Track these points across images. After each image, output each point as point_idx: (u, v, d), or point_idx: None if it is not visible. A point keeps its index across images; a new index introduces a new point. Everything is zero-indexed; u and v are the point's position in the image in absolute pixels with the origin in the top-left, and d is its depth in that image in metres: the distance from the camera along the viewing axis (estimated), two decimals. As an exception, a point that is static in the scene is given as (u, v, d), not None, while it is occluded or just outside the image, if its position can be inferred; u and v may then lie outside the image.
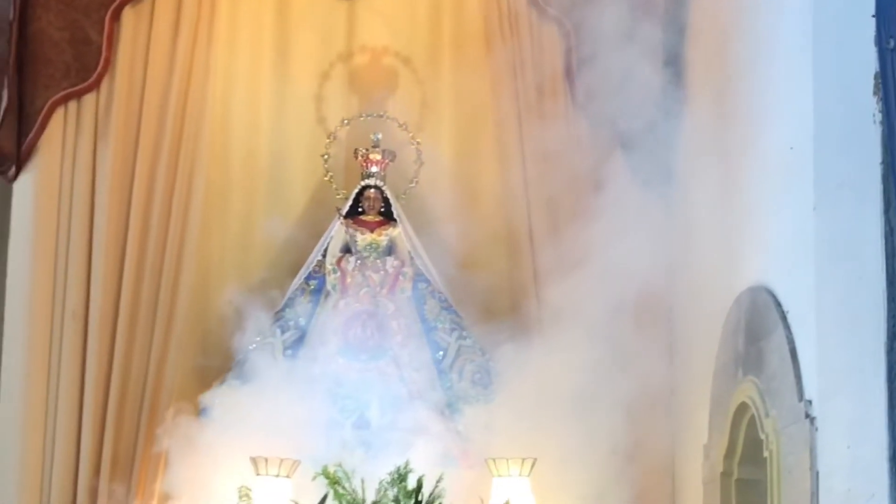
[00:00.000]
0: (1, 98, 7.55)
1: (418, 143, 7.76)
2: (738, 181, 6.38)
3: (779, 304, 5.78)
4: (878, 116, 5.34)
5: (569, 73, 7.59)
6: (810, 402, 5.42)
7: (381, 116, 7.80)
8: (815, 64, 5.53)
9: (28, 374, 7.45)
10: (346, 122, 7.81)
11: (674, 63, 7.30)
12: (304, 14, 8.00)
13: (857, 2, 5.43)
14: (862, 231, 5.38)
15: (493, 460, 6.71)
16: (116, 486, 7.21)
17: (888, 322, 5.30)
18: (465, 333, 7.48)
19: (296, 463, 6.53)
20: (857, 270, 5.37)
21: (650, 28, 7.22)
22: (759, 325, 5.95)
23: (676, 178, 7.28)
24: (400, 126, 7.77)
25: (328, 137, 7.80)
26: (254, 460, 6.54)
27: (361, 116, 7.81)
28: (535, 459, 6.67)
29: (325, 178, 7.79)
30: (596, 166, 7.33)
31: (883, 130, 5.31)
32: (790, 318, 5.68)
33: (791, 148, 5.70)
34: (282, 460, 6.51)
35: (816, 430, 5.36)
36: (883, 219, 5.36)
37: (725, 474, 6.35)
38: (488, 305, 7.48)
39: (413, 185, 7.78)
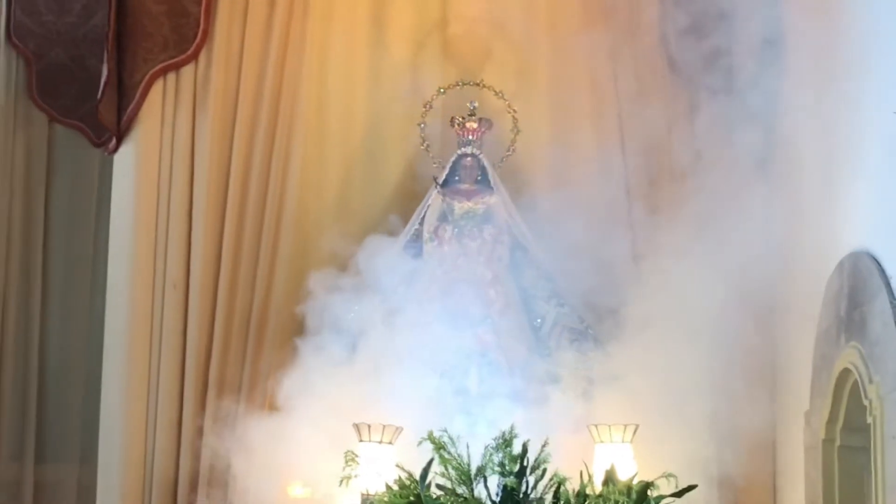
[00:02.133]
0: (100, 72, 7.64)
1: (514, 110, 7.75)
2: (841, 146, 6.33)
3: (882, 270, 5.72)
4: None
5: (666, 42, 7.54)
6: (916, 367, 5.38)
7: (478, 85, 7.79)
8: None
9: (130, 344, 7.54)
10: (442, 90, 7.80)
11: (773, 30, 7.23)
12: (399, -16, 8.02)
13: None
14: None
15: (596, 426, 6.71)
16: (215, 483, 7.31)
17: None
18: (562, 301, 7.47)
19: (399, 429, 6.56)
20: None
21: None
22: (862, 291, 5.90)
23: (778, 145, 7.22)
24: (496, 94, 7.75)
25: (424, 106, 7.80)
26: (357, 427, 6.58)
27: (458, 85, 7.80)
28: (637, 426, 6.67)
29: (422, 147, 7.80)
30: (696, 134, 7.27)
31: None
32: (894, 284, 5.63)
33: (895, 112, 5.64)
34: (385, 426, 6.54)
35: (923, 395, 5.33)
36: None
37: (828, 441, 6.30)
38: (585, 273, 7.44)
39: (510, 152, 7.78)
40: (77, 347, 7.96)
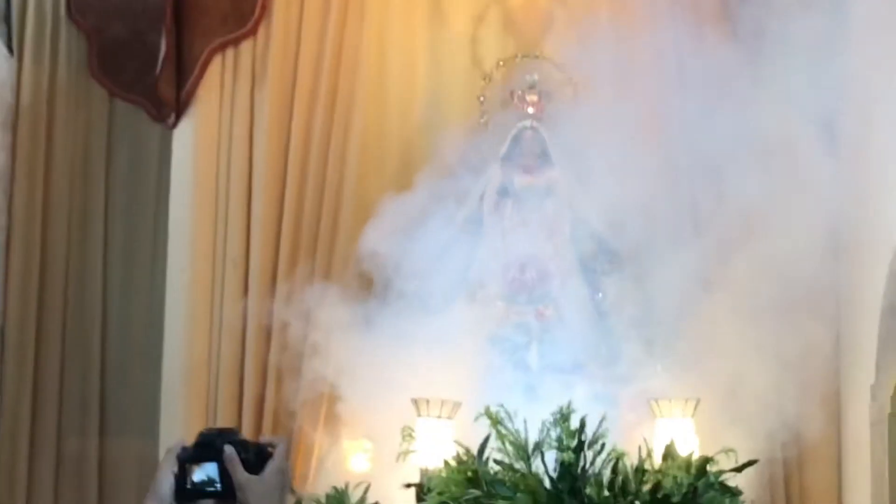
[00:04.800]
0: (160, 47, 7.66)
1: (576, 84, 7.68)
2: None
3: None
4: None
5: (729, 9, 7.44)
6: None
7: (538, 58, 7.72)
8: None
9: (191, 321, 7.59)
10: (501, 63, 7.75)
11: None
12: (459, -43, 7.96)
13: None
14: None
15: (656, 401, 6.66)
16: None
17: None
18: (623, 276, 7.40)
19: (457, 405, 6.54)
20: None
21: None
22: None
23: (847, 116, 7.09)
24: (556, 67, 7.69)
25: (484, 79, 7.74)
26: (415, 402, 6.56)
27: (517, 57, 7.75)
28: (699, 400, 6.61)
29: (482, 121, 7.74)
30: (761, 109, 7.15)
31: None
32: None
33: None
34: (443, 401, 6.52)
35: None
36: None
37: (893, 415, 6.23)
38: (646, 248, 7.36)
39: (571, 126, 7.69)
40: (138, 323, 7.98)
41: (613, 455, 5.99)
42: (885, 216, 6.52)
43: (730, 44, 7.37)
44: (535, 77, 7.62)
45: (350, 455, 7.13)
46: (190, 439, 3.08)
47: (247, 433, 7.25)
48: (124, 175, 8.09)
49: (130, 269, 8.05)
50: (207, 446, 3.02)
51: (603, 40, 7.73)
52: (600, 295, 7.38)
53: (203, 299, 7.57)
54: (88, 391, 7.90)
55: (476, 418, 6.16)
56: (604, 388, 6.87)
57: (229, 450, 3.00)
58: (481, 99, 7.74)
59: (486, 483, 6.03)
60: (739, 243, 6.94)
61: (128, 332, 7.99)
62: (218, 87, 7.68)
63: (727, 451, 6.18)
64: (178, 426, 7.39)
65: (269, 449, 3.04)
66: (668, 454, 6.18)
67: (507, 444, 6.00)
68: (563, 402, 6.02)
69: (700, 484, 6.05)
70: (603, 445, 5.98)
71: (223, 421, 7.36)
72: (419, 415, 6.60)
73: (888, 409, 6.23)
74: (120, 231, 8.08)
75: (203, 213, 7.63)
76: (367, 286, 7.28)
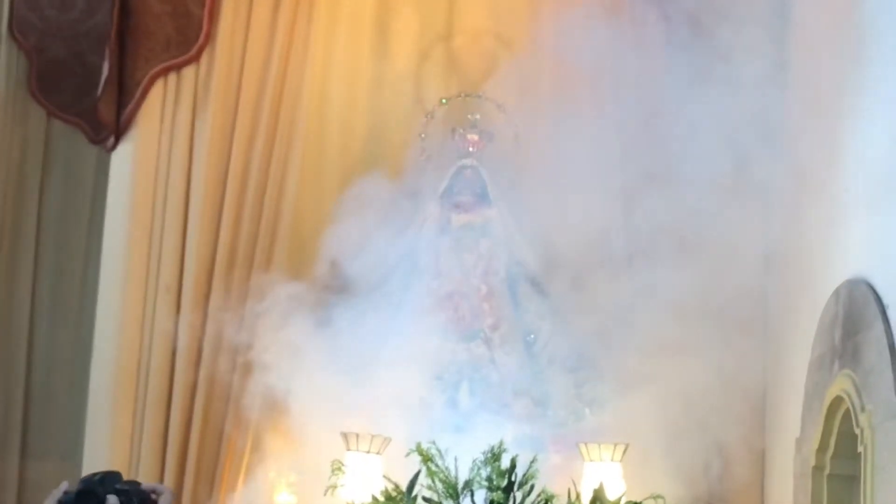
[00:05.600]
0: (100, 69, 7.63)
1: (516, 125, 7.73)
2: (842, 173, 6.29)
3: (878, 298, 5.68)
4: None
5: (672, 48, 7.52)
6: (909, 397, 5.33)
7: (480, 97, 7.77)
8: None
9: (120, 346, 7.51)
10: (444, 101, 7.79)
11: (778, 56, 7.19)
12: (405, -8, 8.00)
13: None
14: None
15: (585, 445, 6.69)
16: (201, 487, 7.31)
17: None
18: (556, 318, 7.43)
19: (387, 440, 6.54)
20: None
21: None
22: (857, 319, 5.85)
23: (780, 164, 7.17)
24: (498, 108, 7.73)
25: (426, 117, 7.77)
26: (345, 436, 6.56)
27: (460, 96, 7.79)
28: (628, 445, 6.65)
29: (422, 158, 7.77)
30: (698, 149, 7.22)
31: None
32: (890, 313, 5.59)
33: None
34: (373, 436, 6.52)
35: (915, 427, 5.28)
36: None
37: (818, 469, 6.26)
38: (580, 290, 7.41)
39: (510, 167, 7.75)
40: (66, 345, 7.92)
41: (543, 497, 6.03)
42: (813, 272, 6.58)
43: (671, 78, 7.44)
44: (477, 116, 7.68)
45: (277, 487, 7.09)
46: (114, 463, 3.05)
47: (173, 460, 7.28)
48: (58, 196, 8.05)
49: (60, 290, 8.00)
50: (89, 494, 2.96)
51: (545, 82, 7.81)
52: (532, 336, 7.41)
53: (134, 323, 7.52)
54: (11, 412, 7.82)
55: (407, 454, 6.17)
56: (534, 429, 6.91)
57: (112, 500, 2.94)
58: (422, 136, 7.77)
59: (414, 520, 6.04)
60: (669, 290, 6.99)
61: (55, 355, 7.92)
62: (159, 111, 7.66)
63: (655, 496, 6.22)
64: (102, 450, 7.32)
65: (153, 496, 2.98)
66: (597, 498, 6.21)
67: (437, 482, 6.01)
68: (495, 442, 6.04)
69: (627, 528, 6.09)
70: (532, 486, 6.01)
71: (149, 447, 7.31)
72: (348, 449, 6.58)
73: (812, 462, 6.26)
74: (51, 250, 8.03)
75: (138, 236, 7.58)
76: (301, 318, 7.26)
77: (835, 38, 6.50)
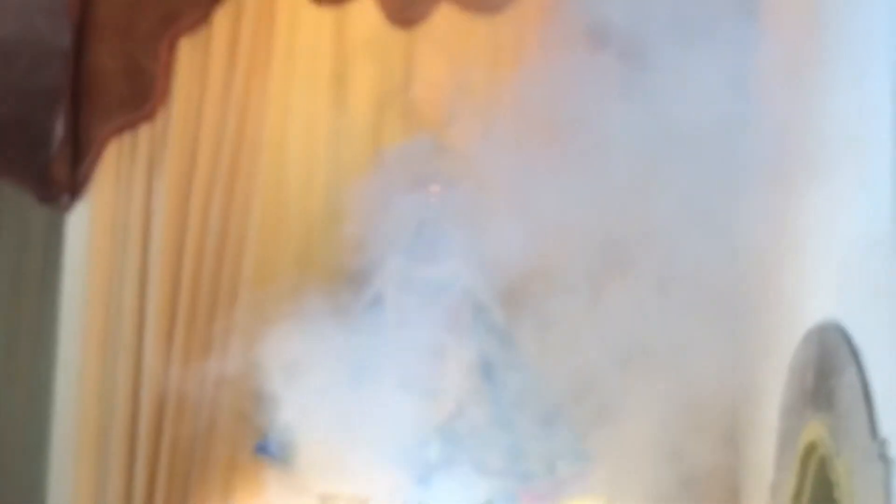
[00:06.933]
0: (56, 129, 7.58)
1: (478, 173, 7.68)
2: (810, 220, 6.27)
3: (850, 341, 5.64)
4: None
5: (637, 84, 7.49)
6: (884, 441, 5.27)
7: (441, 147, 7.73)
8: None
9: (80, 409, 7.46)
10: (404, 151, 7.74)
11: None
12: (361, 44, 7.94)
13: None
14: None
15: (560, 500, 6.66)
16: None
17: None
18: (526, 371, 7.38)
19: (364, 501, 6.52)
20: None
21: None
22: (830, 363, 5.81)
23: (741, 210, 7.15)
24: (459, 157, 7.69)
25: (386, 168, 7.71)
26: (322, 497, 6.52)
27: (421, 146, 7.74)
28: (604, 499, 6.62)
29: (383, 209, 7.70)
30: (662, 184, 7.17)
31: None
32: (863, 356, 5.54)
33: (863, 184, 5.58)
34: (350, 497, 6.50)
35: (892, 471, 5.22)
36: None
37: (793, 514, 6.22)
38: (551, 339, 7.37)
39: (472, 215, 7.69)
40: (21, 414, 7.82)
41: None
42: (784, 316, 6.55)
43: (630, 119, 7.40)
44: (438, 166, 7.63)
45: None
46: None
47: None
48: (8, 256, 7.94)
49: (12, 358, 7.89)
50: None
51: (505, 129, 7.78)
52: (501, 388, 7.35)
53: (94, 385, 7.46)
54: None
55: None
56: (507, 484, 6.86)
57: None
58: (383, 188, 7.70)
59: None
60: (639, 334, 6.96)
61: (11, 424, 7.81)
62: (114, 171, 7.61)
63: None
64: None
65: None
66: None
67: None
68: (466, 500, 6.00)
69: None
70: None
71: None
72: (328, 510, 6.56)
73: (788, 509, 6.24)
74: (1, 316, 7.92)
75: (96, 297, 7.53)
76: (265, 377, 7.19)
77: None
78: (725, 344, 7.18)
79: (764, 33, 7.02)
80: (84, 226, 7.61)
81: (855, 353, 5.58)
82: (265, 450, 7.20)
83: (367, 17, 7.88)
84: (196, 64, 7.69)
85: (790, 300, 6.52)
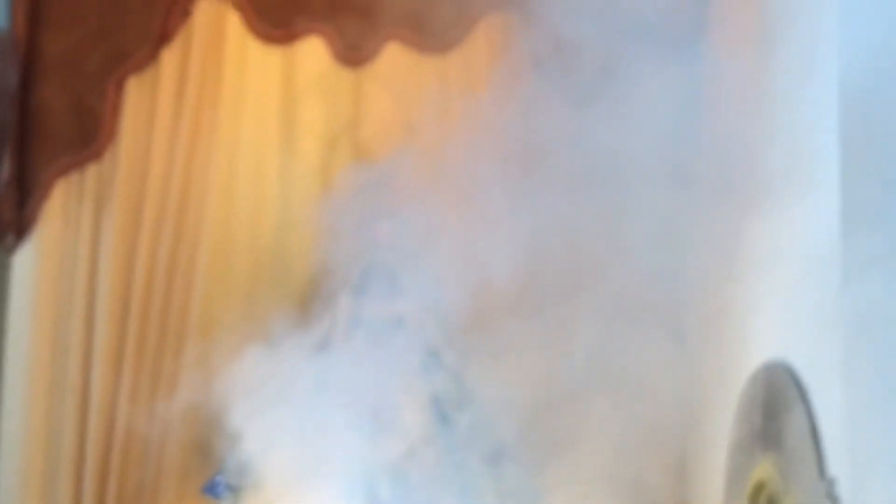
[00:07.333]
0: (1, 168, 7.52)
1: (427, 213, 7.66)
2: (755, 256, 6.28)
3: (798, 380, 5.65)
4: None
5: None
6: (833, 481, 5.28)
7: (389, 187, 7.71)
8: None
9: (26, 451, 7.38)
10: (354, 192, 7.72)
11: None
12: (310, 83, 7.91)
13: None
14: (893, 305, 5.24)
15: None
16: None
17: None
18: (478, 410, 7.36)
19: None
20: (889, 343, 5.22)
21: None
22: (778, 402, 5.82)
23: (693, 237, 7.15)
24: (408, 197, 7.67)
25: (335, 208, 7.69)
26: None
27: (369, 187, 7.73)
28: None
29: (332, 250, 7.67)
30: (612, 219, 7.17)
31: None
32: (811, 395, 5.55)
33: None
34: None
35: (839, 510, 5.24)
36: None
37: (742, 552, 6.22)
38: (502, 378, 7.34)
39: (422, 255, 7.67)
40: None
41: None
42: (731, 355, 6.55)
43: (585, 148, 7.40)
44: (388, 207, 7.61)
45: None
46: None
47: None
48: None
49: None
50: None
51: (455, 167, 7.77)
52: (453, 430, 7.33)
53: (41, 428, 7.38)
54: None
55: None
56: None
57: None
58: (332, 227, 7.68)
59: None
60: (594, 371, 6.96)
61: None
62: (61, 210, 7.54)
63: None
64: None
65: None
66: None
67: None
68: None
69: None
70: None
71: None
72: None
73: (738, 548, 6.24)
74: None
75: (42, 338, 7.45)
76: (212, 416, 7.15)
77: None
78: (678, 377, 7.19)
79: (712, 53, 7.05)
80: (31, 266, 7.54)
81: (802, 392, 5.59)
82: (213, 490, 7.15)
83: (315, 56, 7.84)
84: (144, 103, 7.63)
85: (740, 334, 6.52)
